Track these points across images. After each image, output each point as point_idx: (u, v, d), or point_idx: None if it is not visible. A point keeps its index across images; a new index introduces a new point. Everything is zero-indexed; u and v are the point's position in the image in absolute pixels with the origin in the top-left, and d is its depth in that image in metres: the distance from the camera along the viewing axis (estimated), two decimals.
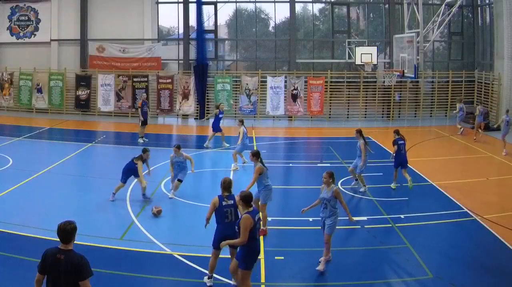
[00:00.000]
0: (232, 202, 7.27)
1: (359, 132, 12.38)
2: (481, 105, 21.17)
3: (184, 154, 11.83)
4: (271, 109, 23.84)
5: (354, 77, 25.05)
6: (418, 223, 10.21)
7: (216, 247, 7.22)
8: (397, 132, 12.82)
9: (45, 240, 8.52)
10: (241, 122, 15.15)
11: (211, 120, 18.48)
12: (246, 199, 6.77)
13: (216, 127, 17.64)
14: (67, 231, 4.81)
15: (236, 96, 23.96)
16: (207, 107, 24.16)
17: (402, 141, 12.63)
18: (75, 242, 4.94)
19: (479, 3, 25.62)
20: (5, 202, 11.03)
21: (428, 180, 13.49)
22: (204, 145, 17.66)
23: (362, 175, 12.41)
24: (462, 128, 20.38)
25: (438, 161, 16.31)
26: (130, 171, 11.53)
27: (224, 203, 7.21)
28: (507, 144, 16.56)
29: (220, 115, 17.78)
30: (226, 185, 7.34)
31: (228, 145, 17.43)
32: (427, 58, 25.42)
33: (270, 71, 24.78)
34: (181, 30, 25.64)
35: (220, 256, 8.17)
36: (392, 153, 12.64)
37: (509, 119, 16.99)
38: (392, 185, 12.64)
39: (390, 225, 10.15)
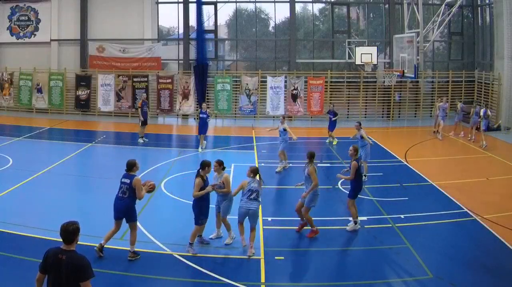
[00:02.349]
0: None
1: (360, 124, 13.75)
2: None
3: (225, 174, 9.14)
4: (271, 109, 23.84)
5: (354, 77, 25.05)
6: (418, 223, 10.21)
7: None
8: (333, 104, 19.72)
9: (45, 240, 8.53)
10: (284, 118, 15.24)
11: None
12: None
13: (199, 129, 16.85)
14: (69, 231, 4.80)
15: (236, 96, 23.97)
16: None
17: (332, 115, 18.33)
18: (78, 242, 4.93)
19: (479, 3, 25.62)
20: (5, 202, 11.03)
21: (428, 180, 13.49)
22: (199, 150, 16.77)
23: (367, 163, 13.39)
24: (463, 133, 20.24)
25: (438, 161, 16.31)
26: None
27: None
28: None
29: (202, 115, 16.85)
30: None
31: (202, 151, 16.66)
32: (427, 58, 25.42)
33: (270, 71, 24.78)
34: (181, 30, 25.64)
35: (220, 256, 8.19)
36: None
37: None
38: (329, 140, 18.46)
39: (390, 225, 10.15)
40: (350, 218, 10.50)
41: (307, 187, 9.48)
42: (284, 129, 14.60)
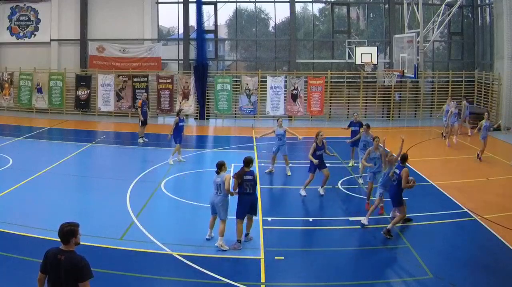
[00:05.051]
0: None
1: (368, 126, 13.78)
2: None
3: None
4: (271, 109, 23.84)
5: (354, 77, 25.05)
6: (418, 223, 10.21)
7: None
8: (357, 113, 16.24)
9: (45, 240, 8.52)
10: (282, 121, 14.79)
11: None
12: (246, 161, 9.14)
13: (178, 138, 15.22)
14: (63, 232, 4.82)
15: (236, 96, 23.97)
16: (207, 107, 24.17)
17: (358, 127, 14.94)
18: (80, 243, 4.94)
19: (479, 3, 25.61)
20: (5, 202, 11.03)
21: (428, 180, 13.48)
22: (169, 162, 14.95)
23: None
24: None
25: (438, 161, 16.30)
26: None
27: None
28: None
29: (181, 124, 15.40)
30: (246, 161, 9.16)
31: (172, 163, 14.92)
32: (427, 58, 25.41)
33: (270, 71, 24.77)
34: (181, 30, 25.64)
35: (220, 256, 8.20)
36: None
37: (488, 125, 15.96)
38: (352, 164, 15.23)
39: None
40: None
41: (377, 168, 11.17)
42: (285, 132, 14.22)
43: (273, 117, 24.08)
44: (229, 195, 8.94)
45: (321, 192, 12.16)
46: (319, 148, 11.93)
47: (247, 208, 8.98)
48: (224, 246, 8.77)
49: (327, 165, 12.26)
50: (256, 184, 9.07)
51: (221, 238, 8.81)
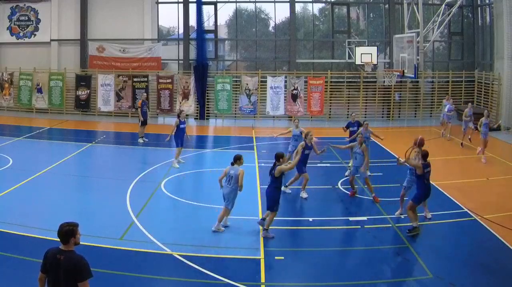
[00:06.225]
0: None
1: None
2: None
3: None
4: (271, 109, 23.84)
5: (354, 77, 25.04)
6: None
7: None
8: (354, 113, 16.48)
9: (45, 240, 8.52)
10: (298, 121, 14.63)
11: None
12: (276, 156, 9.56)
13: (179, 140, 14.80)
14: (62, 232, 4.84)
15: (236, 96, 23.97)
16: (207, 107, 24.17)
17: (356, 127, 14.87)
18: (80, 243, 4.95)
19: (479, 3, 25.61)
20: (5, 202, 11.03)
21: None
22: (174, 166, 14.58)
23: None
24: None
25: (438, 161, 16.27)
26: None
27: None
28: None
29: (182, 126, 14.85)
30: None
31: (177, 166, 14.56)
32: (427, 58, 25.41)
33: (270, 71, 24.77)
34: (181, 30, 25.64)
35: (220, 256, 8.19)
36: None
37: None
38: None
39: (390, 225, 10.15)
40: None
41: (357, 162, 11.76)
42: (301, 133, 13.91)
43: (273, 117, 24.11)
44: (239, 189, 9.45)
45: (304, 195, 11.96)
46: (308, 147, 11.97)
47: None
48: (221, 229, 9.51)
49: (327, 164, 12.24)
50: (272, 178, 9.50)
51: (218, 223, 9.51)
